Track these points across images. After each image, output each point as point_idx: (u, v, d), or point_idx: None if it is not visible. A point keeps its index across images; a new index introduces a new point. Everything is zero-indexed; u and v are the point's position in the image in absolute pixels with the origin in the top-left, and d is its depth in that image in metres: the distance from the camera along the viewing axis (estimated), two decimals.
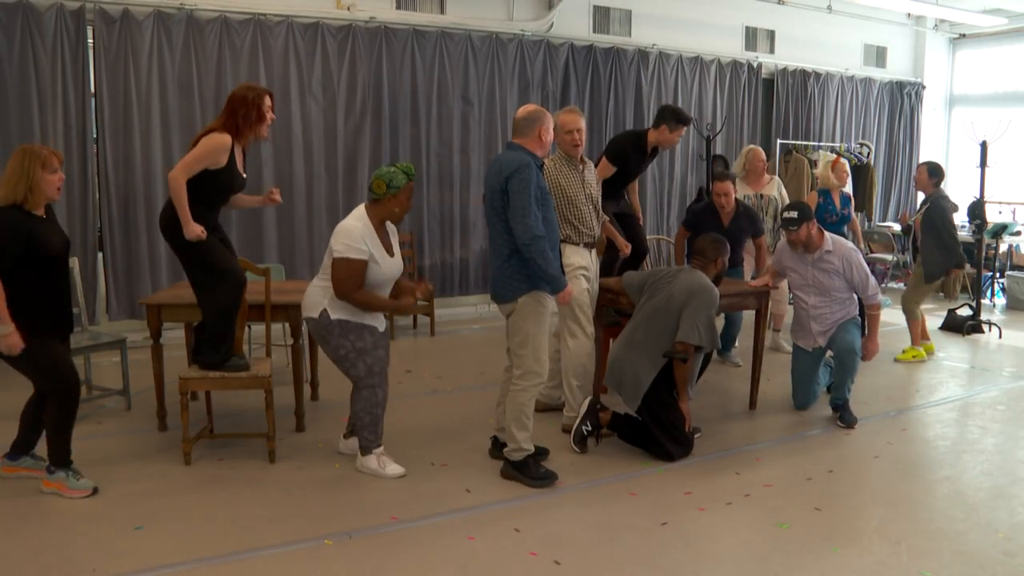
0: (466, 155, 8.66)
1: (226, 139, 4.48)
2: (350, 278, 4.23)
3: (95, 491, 4.15)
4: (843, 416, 5.51)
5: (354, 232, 4.23)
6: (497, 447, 4.68)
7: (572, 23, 9.28)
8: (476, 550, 3.68)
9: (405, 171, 4.35)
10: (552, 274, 4.28)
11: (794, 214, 5.45)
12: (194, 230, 4.41)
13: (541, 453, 4.62)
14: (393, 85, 8.25)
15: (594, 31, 9.46)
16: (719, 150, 9.86)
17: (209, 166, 4.45)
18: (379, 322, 4.53)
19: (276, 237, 7.85)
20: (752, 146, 7.70)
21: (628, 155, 5.94)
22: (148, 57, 7.17)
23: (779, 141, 10.77)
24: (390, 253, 4.41)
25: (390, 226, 4.50)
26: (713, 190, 6.56)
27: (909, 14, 11.86)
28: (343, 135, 8.06)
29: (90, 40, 7.06)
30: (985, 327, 8.60)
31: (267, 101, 4.62)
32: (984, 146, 8.87)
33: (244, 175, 4.71)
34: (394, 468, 4.48)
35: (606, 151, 6.02)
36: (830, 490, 4.43)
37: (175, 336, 6.73)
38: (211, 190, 4.54)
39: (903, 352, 7.33)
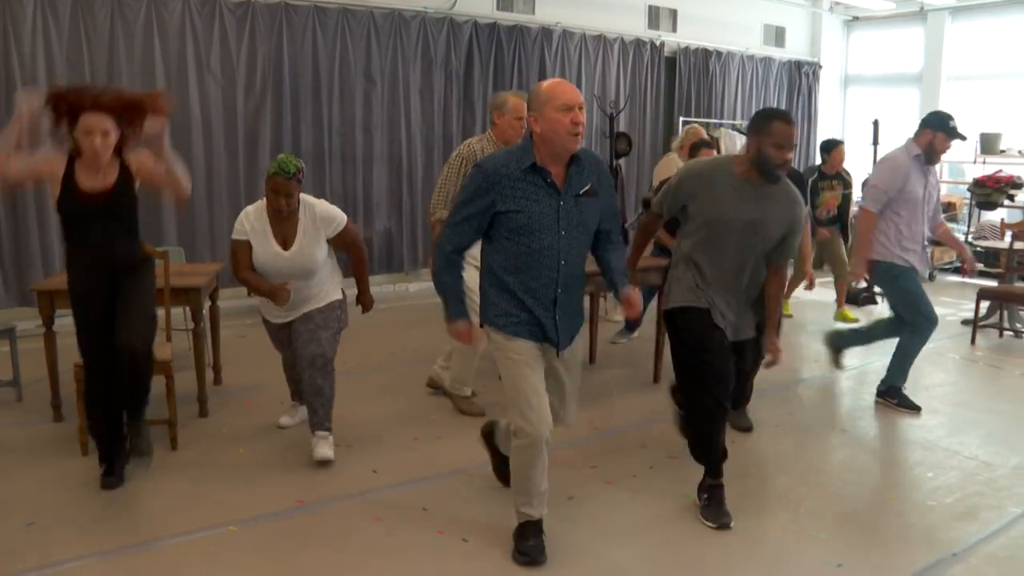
0: (369, 134, 8.55)
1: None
2: (233, 258, 4.33)
3: None
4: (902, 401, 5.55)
5: (242, 214, 4.33)
6: None
7: (475, 1, 9.23)
8: (383, 531, 3.66)
9: (278, 163, 4.11)
10: (442, 303, 3.36)
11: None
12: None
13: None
14: (294, 63, 8.08)
15: (497, 9, 9.42)
16: (622, 127, 9.95)
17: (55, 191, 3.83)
18: (276, 316, 4.50)
19: (175, 218, 7.63)
20: (694, 125, 7.74)
21: None
22: (32, 33, 6.84)
23: (681, 119, 10.93)
24: (284, 245, 4.25)
25: (323, 217, 4.28)
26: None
27: None
28: (243, 114, 7.87)
29: None
30: (878, 298, 8.91)
31: (88, 122, 3.66)
32: (876, 124, 9.17)
33: (100, 198, 3.79)
34: (282, 419, 4.90)
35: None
36: (733, 460, 4.52)
37: (68, 323, 6.47)
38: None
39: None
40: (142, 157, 3.88)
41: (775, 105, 12.12)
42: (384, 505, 3.92)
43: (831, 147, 7.96)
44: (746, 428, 4.97)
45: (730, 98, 11.62)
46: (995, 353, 7.12)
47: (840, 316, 8.01)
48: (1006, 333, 7.65)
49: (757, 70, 11.91)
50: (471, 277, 4.81)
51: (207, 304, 5.53)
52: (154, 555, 3.41)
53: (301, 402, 4.82)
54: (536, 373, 3.30)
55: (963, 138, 5.37)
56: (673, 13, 11.00)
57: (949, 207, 11.23)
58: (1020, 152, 10.38)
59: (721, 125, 11.03)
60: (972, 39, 11.68)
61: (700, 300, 3.86)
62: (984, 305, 7.62)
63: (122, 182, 3.82)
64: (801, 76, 12.48)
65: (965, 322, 7.96)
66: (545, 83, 3.25)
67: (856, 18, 13.02)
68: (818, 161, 8.14)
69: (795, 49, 12.52)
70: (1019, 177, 9.91)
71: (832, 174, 7.96)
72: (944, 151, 5.31)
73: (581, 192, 3.26)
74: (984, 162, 10.39)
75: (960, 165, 11.67)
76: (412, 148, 8.84)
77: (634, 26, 10.60)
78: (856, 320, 7.80)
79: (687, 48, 11.09)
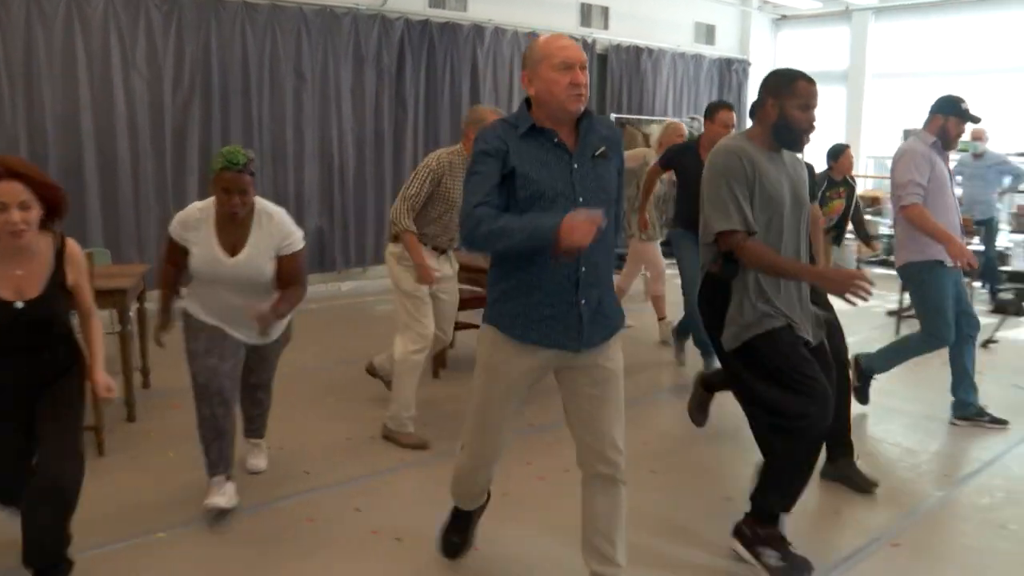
0: (300, 131, 8.46)
1: None
2: (165, 249, 3.85)
3: None
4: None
5: (186, 210, 3.72)
6: None
7: None
8: (316, 532, 3.63)
9: (224, 156, 3.50)
10: (529, 229, 2.57)
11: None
12: None
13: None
14: (223, 59, 7.96)
15: (430, 6, 9.38)
16: None
17: None
18: (229, 322, 3.72)
19: (100, 219, 7.45)
20: (673, 120, 7.26)
21: None
22: None
23: (613, 115, 11.02)
24: (231, 252, 3.61)
25: (280, 227, 3.67)
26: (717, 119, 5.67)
27: None
28: (171, 111, 7.72)
29: None
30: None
31: None
32: None
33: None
34: (213, 499, 3.65)
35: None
36: (664, 453, 4.60)
37: None
38: None
39: None
40: (82, 277, 3.11)
41: (705, 101, 12.29)
42: (317, 506, 3.88)
43: (838, 152, 7.58)
44: (871, 486, 4.18)
45: (661, 95, 11.74)
46: None
47: None
48: None
49: (688, 67, 12.06)
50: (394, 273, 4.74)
51: (134, 306, 5.42)
52: (80, 566, 3.32)
53: (228, 476, 3.73)
54: (510, 405, 2.91)
55: (976, 120, 5.04)
56: (605, 11, 11.07)
57: (874, 201, 11.51)
58: None
59: (652, 122, 11.12)
60: (895, 38, 12.00)
61: (776, 318, 3.25)
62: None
63: (52, 293, 2.98)
64: (731, 73, 12.67)
65: (890, 313, 8.16)
66: (541, 38, 2.82)
67: (784, 17, 13.28)
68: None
69: (725, 47, 12.71)
70: None
71: (840, 180, 7.60)
72: (959, 135, 5.02)
73: (596, 153, 2.78)
74: None
75: (884, 160, 11.97)
76: (344, 146, 8.77)
77: (566, 23, 10.65)
78: None
79: (619, 45, 11.18)
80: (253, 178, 3.54)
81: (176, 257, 3.74)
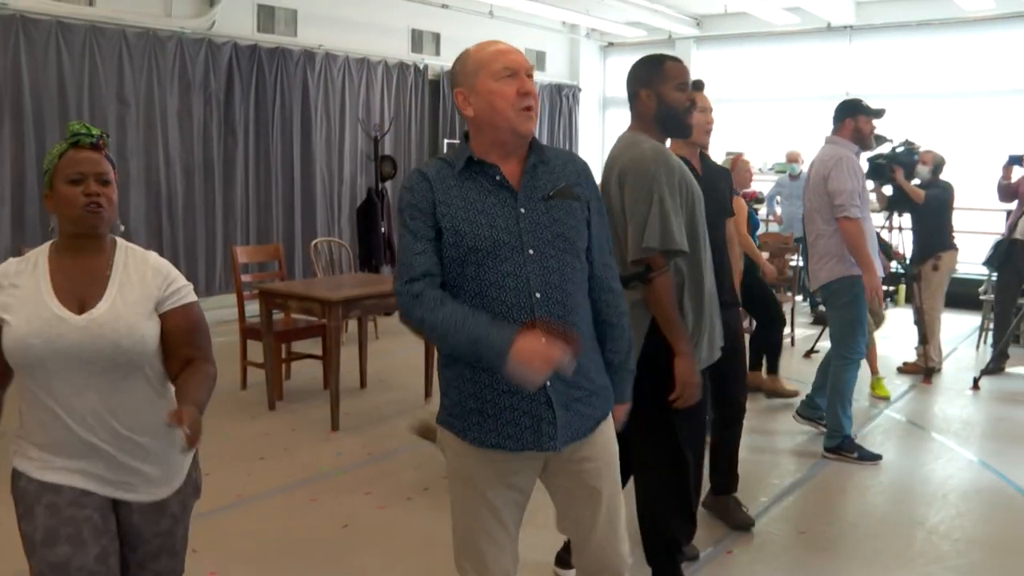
0: (124, 159, 8.08)
1: None
2: None
3: None
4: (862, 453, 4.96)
5: None
6: None
7: (235, 21, 8.96)
8: None
9: (71, 130, 2.17)
10: (475, 337, 2.05)
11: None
12: None
13: None
14: (36, 82, 7.53)
15: (258, 30, 9.20)
16: (387, 151, 9.96)
17: None
18: (89, 476, 2.16)
19: None
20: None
21: None
22: None
23: (446, 141, 11.11)
24: (75, 308, 2.11)
25: (158, 270, 2.25)
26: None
27: (564, 22, 12.67)
28: None
29: None
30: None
31: None
32: None
33: None
34: None
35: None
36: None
37: None
38: None
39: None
40: None
41: (539, 126, 12.57)
42: None
43: None
44: (748, 524, 4.05)
45: None
46: None
47: (876, 388, 6.35)
48: None
49: None
50: None
51: None
52: None
53: None
54: (495, 513, 2.24)
55: (881, 113, 4.93)
56: (436, 37, 11.17)
57: None
58: (760, 170, 11.29)
59: None
60: (714, 66, 12.66)
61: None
62: None
63: None
64: (562, 98, 13.01)
65: None
66: (472, 46, 2.29)
67: (611, 44, 13.77)
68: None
69: (556, 72, 13.04)
70: (761, 193, 10.76)
71: None
72: (871, 132, 4.92)
73: (552, 192, 2.21)
74: None
75: None
76: (171, 173, 8.46)
77: (398, 50, 10.67)
78: (888, 396, 6.33)
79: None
80: (114, 169, 2.21)
81: None
